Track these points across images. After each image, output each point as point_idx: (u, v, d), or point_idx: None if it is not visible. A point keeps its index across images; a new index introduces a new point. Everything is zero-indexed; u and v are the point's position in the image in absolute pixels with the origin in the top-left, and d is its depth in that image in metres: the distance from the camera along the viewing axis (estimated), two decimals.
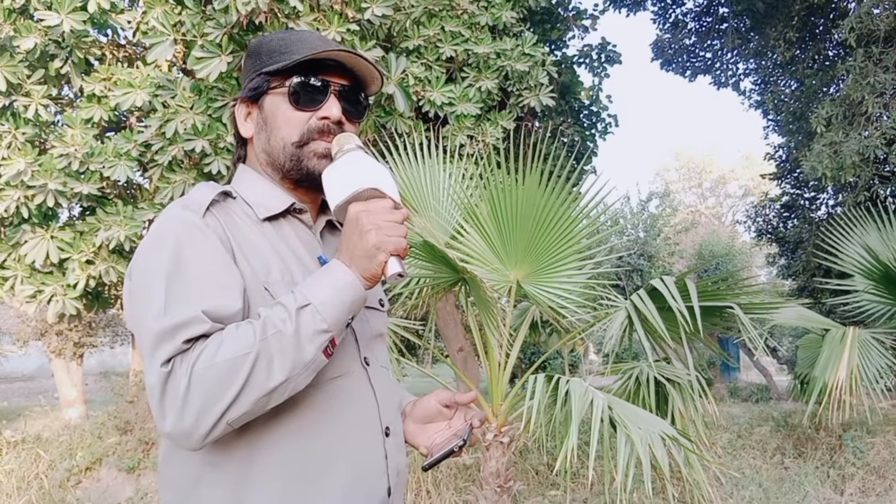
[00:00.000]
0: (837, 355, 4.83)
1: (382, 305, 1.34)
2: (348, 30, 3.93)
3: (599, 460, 4.81)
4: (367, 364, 1.20)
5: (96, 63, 4.52)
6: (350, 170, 1.08)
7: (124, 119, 4.68)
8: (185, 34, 3.89)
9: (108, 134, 4.41)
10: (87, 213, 4.40)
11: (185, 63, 4.37)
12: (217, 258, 1.05)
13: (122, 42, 4.84)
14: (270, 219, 1.18)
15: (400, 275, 1.03)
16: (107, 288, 4.78)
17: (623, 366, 4.31)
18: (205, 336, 0.98)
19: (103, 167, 4.02)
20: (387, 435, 1.19)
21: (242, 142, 1.28)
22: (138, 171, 4.26)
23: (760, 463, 6.09)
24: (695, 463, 3.40)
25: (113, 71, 4.21)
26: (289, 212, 1.21)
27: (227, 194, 1.16)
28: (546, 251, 3.93)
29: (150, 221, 4.34)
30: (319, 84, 1.18)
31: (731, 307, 3.72)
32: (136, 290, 1.05)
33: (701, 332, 3.48)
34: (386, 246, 1.02)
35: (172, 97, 4.08)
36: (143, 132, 4.11)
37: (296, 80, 1.17)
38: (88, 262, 4.22)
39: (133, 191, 4.73)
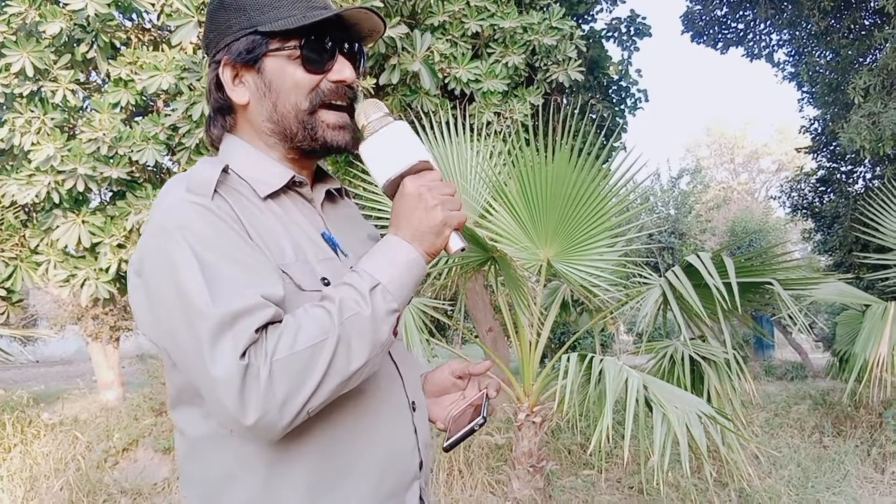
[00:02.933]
0: (879, 331, 4.70)
1: None
2: (372, 6, 3.88)
3: (634, 440, 4.75)
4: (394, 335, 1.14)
5: (122, 47, 4.52)
6: (397, 143, 1.03)
7: (151, 103, 4.68)
8: None
9: (135, 118, 4.42)
10: (117, 197, 4.42)
11: None
12: (243, 242, 0.96)
13: (147, 25, 4.82)
14: (272, 196, 1.08)
15: (462, 249, 1.02)
16: None
17: (656, 344, 4.24)
18: (271, 322, 0.91)
19: (132, 151, 4.03)
20: (413, 409, 1.14)
21: (229, 110, 1.13)
22: (166, 154, 4.27)
23: (798, 442, 5.98)
24: (733, 442, 3.33)
25: (139, 54, 4.20)
26: (288, 186, 1.10)
27: (226, 171, 1.04)
28: (577, 229, 3.87)
29: None
30: (330, 44, 1.07)
31: (770, 283, 3.62)
32: (158, 287, 0.94)
33: (739, 309, 3.39)
34: (451, 221, 1.00)
35: (198, 79, 4.06)
36: (169, 115, 4.11)
37: (303, 40, 1.05)
38: (119, 245, 4.24)
39: (162, 174, 4.74)
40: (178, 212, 0.96)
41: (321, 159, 1.17)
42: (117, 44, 4.49)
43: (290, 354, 0.88)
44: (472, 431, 1.14)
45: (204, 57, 4.28)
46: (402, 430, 1.11)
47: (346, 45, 1.10)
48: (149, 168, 4.46)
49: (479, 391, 1.23)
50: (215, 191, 0.98)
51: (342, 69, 1.08)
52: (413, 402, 1.14)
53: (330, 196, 1.20)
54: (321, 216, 1.15)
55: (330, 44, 1.08)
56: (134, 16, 4.72)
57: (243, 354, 0.87)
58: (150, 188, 4.20)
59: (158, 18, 4.44)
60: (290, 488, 1.00)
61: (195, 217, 0.95)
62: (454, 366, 1.24)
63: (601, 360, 3.23)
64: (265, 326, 0.90)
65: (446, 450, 1.15)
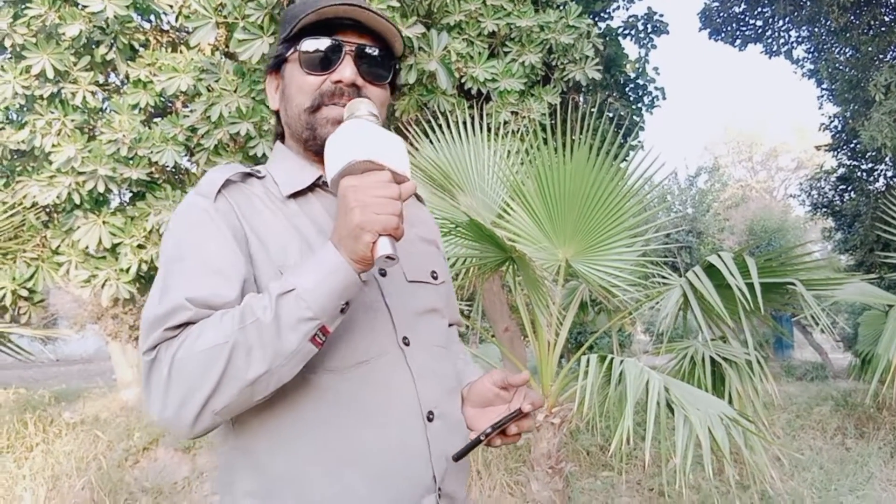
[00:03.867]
0: None
1: (435, 278, 1.24)
2: (389, 6, 3.87)
3: (654, 442, 4.72)
4: (407, 344, 1.11)
5: (141, 49, 4.55)
6: (347, 139, 0.97)
7: (170, 104, 4.71)
8: (227, 17, 3.88)
9: (154, 119, 4.45)
10: (137, 198, 4.45)
11: (227, 46, 4.37)
12: (219, 244, 1.01)
13: (165, 27, 4.85)
14: (297, 195, 1.12)
15: (389, 257, 0.92)
16: None
17: (676, 345, 4.20)
18: (191, 323, 0.94)
19: (151, 152, 4.05)
20: (429, 420, 1.10)
21: (279, 118, 1.22)
22: (185, 155, 4.29)
23: (821, 444, 5.91)
24: (756, 445, 3.29)
25: (157, 56, 4.23)
26: (317, 185, 1.14)
27: (249, 175, 1.12)
28: (595, 229, 3.83)
29: None
30: (330, 45, 1.09)
31: (793, 283, 3.58)
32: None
33: (762, 310, 3.35)
34: (372, 225, 0.92)
35: (216, 81, 4.08)
36: (188, 116, 4.13)
37: (305, 42, 1.10)
38: (140, 246, 4.27)
39: (181, 175, 4.77)
40: (180, 210, 1.07)
41: None
42: (136, 45, 4.52)
43: (188, 355, 0.91)
44: (478, 442, 1.09)
45: (222, 57, 4.30)
46: (408, 440, 1.07)
47: (359, 46, 1.11)
48: (168, 169, 4.49)
49: (514, 406, 1.16)
50: (220, 192, 1.05)
51: (343, 70, 1.09)
52: (430, 413, 1.10)
53: None
54: None
55: (331, 46, 1.09)
56: (152, 17, 4.75)
57: (152, 349, 0.93)
58: (170, 189, 4.22)
59: (177, 20, 4.46)
60: (285, 482, 1.01)
61: (187, 218, 1.04)
62: (494, 377, 1.17)
63: (622, 362, 3.20)
64: (185, 325, 0.94)
65: (455, 459, 1.09)
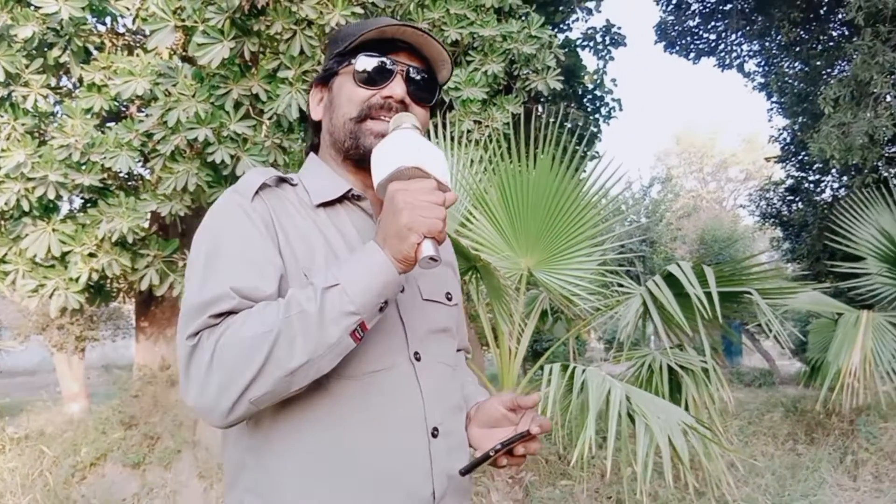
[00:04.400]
0: (851, 339, 4.77)
1: (450, 299, 1.28)
2: (353, 13, 3.84)
3: (613, 450, 4.75)
4: (418, 359, 1.14)
5: (95, 52, 4.43)
6: (395, 147, 1.03)
7: (125, 108, 4.59)
8: (186, 20, 3.79)
9: (108, 124, 4.32)
10: (89, 204, 4.32)
11: (185, 50, 4.28)
12: (256, 240, 1.06)
13: (122, 30, 4.74)
14: (326, 205, 1.17)
15: (433, 258, 0.96)
16: (109, 281, 4.70)
17: (635, 353, 4.25)
18: (233, 312, 0.98)
19: (104, 158, 3.93)
20: (433, 436, 1.12)
21: (316, 129, 1.29)
22: (140, 161, 4.17)
23: (773, 450, 6.04)
24: (712, 451, 3.34)
25: (113, 59, 4.12)
26: (346, 198, 1.19)
27: (283, 180, 1.18)
28: (557, 238, 3.86)
29: (153, 213, 4.26)
30: (384, 62, 1.17)
31: (749, 292, 3.65)
32: (187, 271, 1.07)
33: (720, 319, 3.41)
34: (418, 226, 0.96)
35: (174, 85, 3.99)
36: (144, 121, 4.02)
37: (361, 58, 1.17)
38: (91, 254, 4.14)
39: (135, 182, 4.64)
40: (218, 206, 1.12)
41: None
42: (91, 48, 4.40)
43: (232, 342, 0.94)
44: (486, 458, 1.10)
45: (180, 62, 4.21)
46: (409, 454, 1.09)
47: (411, 67, 1.19)
48: (122, 175, 4.37)
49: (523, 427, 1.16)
50: (256, 193, 1.11)
51: (394, 87, 1.16)
52: (434, 429, 1.12)
53: None
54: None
55: (385, 64, 1.17)
56: (108, 20, 4.63)
57: (195, 335, 0.97)
58: (123, 196, 4.10)
59: (134, 23, 4.36)
60: (287, 482, 1.04)
61: (226, 213, 1.10)
62: (504, 398, 1.19)
63: (584, 371, 3.22)
64: (227, 314, 0.98)
65: (462, 474, 1.11)
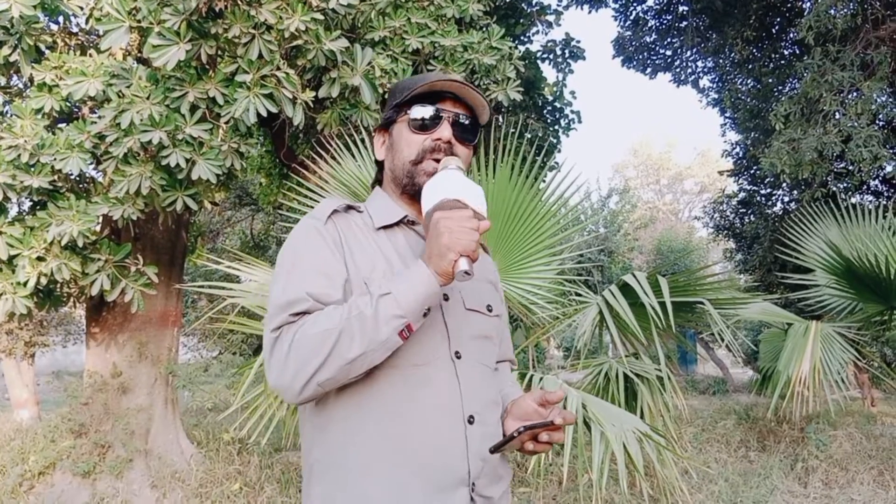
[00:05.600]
0: (801, 349, 4.88)
1: (490, 311, 1.48)
2: (313, 18, 3.81)
3: (570, 457, 4.79)
4: (458, 357, 1.34)
5: (47, 51, 4.31)
6: (440, 184, 1.27)
7: (76, 109, 4.48)
8: (141, 21, 3.72)
9: (59, 125, 4.21)
10: (38, 207, 4.19)
11: (140, 51, 4.20)
12: (327, 255, 1.32)
13: (75, 29, 4.62)
14: (386, 228, 1.42)
15: (466, 272, 1.17)
16: (59, 286, 4.57)
17: (592, 361, 4.29)
18: (308, 313, 1.23)
19: (55, 159, 3.83)
20: (470, 422, 1.30)
21: (380, 166, 1.55)
22: (91, 163, 4.07)
23: (726, 457, 6.14)
24: (667, 458, 3.39)
25: (65, 59, 4.01)
26: (403, 223, 1.44)
27: (351, 208, 1.45)
28: (516, 247, 3.89)
29: (105, 216, 4.16)
30: (433, 111, 1.41)
31: (703, 303, 3.72)
32: (272, 279, 1.34)
33: (673, 328, 3.47)
34: (455, 246, 1.18)
35: (128, 87, 3.90)
36: (96, 123, 3.93)
37: (415, 108, 1.42)
38: (39, 258, 4.02)
39: (86, 184, 4.52)
40: (299, 227, 1.39)
41: None
42: (42, 47, 4.28)
43: (305, 336, 1.19)
44: (511, 438, 1.25)
45: (134, 63, 4.13)
46: (448, 436, 1.28)
47: (456, 114, 1.42)
48: (72, 177, 4.25)
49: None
50: (329, 218, 1.38)
51: (442, 131, 1.41)
52: (470, 416, 1.31)
53: None
54: None
55: (435, 112, 1.41)
56: (61, 19, 4.51)
57: (277, 328, 1.23)
58: (73, 198, 3.99)
59: (87, 22, 4.26)
60: (344, 453, 1.28)
61: (304, 234, 1.36)
62: (535, 394, 1.35)
63: (541, 379, 3.24)
64: (303, 314, 1.24)
65: (491, 452, 1.30)
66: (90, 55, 4.06)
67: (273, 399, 3.70)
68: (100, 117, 3.92)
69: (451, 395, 1.31)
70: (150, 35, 3.65)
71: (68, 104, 4.12)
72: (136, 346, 5.65)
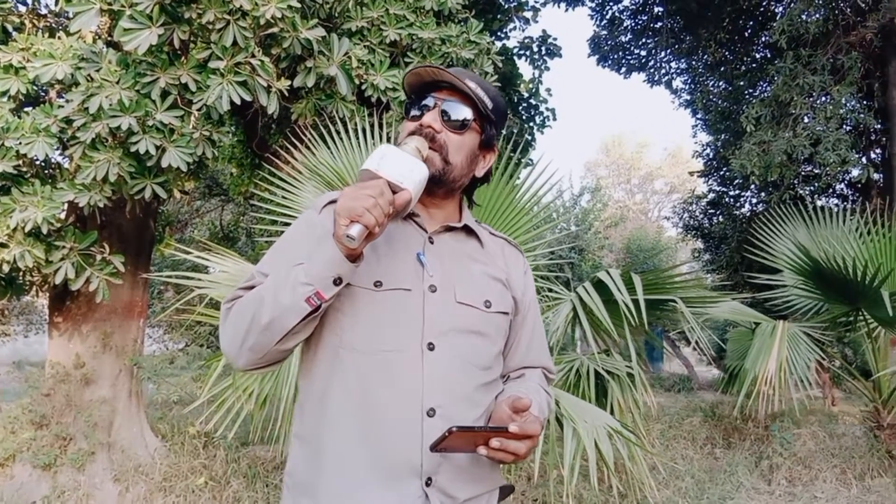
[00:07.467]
0: (768, 348, 4.96)
1: (488, 306, 1.44)
2: (289, 6, 3.75)
3: (542, 454, 4.81)
4: (431, 349, 1.33)
5: (14, 32, 4.19)
6: (370, 158, 1.28)
7: (43, 93, 4.36)
8: (113, 3, 3.63)
9: (25, 108, 4.09)
10: (1, 192, 4.07)
11: (111, 35, 4.10)
12: (300, 242, 1.37)
13: (43, 11, 4.49)
14: None
15: (349, 236, 1.17)
16: (21, 273, 4.45)
17: (564, 358, 4.30)
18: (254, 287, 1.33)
19: (20, 144, 3.73)
20: (429, 415, 1.29)
21: None
22: (58, 148, 3.96)
23: (692, 453, 6.22)
24: (637, 455, 3.41)
25: (32, 41, 3.90)
26: (407, 215, 1.45)
27: None
28: None
29: (71, 203, 4.06)
30: (421, 100, 1.45)
31: (675, 301, 3.75)
32: None
33: (646, 325, 3.49)
34: (345, 212, 1.18)
35: (97, 70, 3.81)
36: (63, 107, 3.83)
37: (408, 100, 1.49)
38: (2, 245, 3.91)
39: (52, 170, 4.41)
40: (299, 217, 1.49)
41: (444, 194, 1.48)
42: (9, 28, 4.16)
43: (239, 304, 1.31)
44: (442, 438, 1.19)
45: (104, 46, 4.03)
46: (403, 424, 1.29)
47: (444, 101, 1.43)
48: (38, 162, 4.14)
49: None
50: (325, 207, 1.44)
51: (426, 118, 1.43)
52: (431, 409, 1.30)
53: (452, 229, 1.50)
54: (427, 242, 1.44)
55: (422, 101, 1.45)
56: (29, 0, 4.39)
57: (229, 301, 1.35)
58: (38, 184, 3.89)
59: (56, 4, 4.15)
60: (314, 431, 1.34)
61: (298, 221, 1.46)
62: (509, 400, 1.31)
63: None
64: (251, 288, 1.33)
65: (430, 449, 1.24)
66: (59, 37, 3.95)
67: (242, 392, 3.65)
68: (67, 101, 3.82)
69: (411, 384, 1.30)
70: (122, 18, 3.56)
71: (35, 87, 4.01)
72: (101, 337, 5.53)
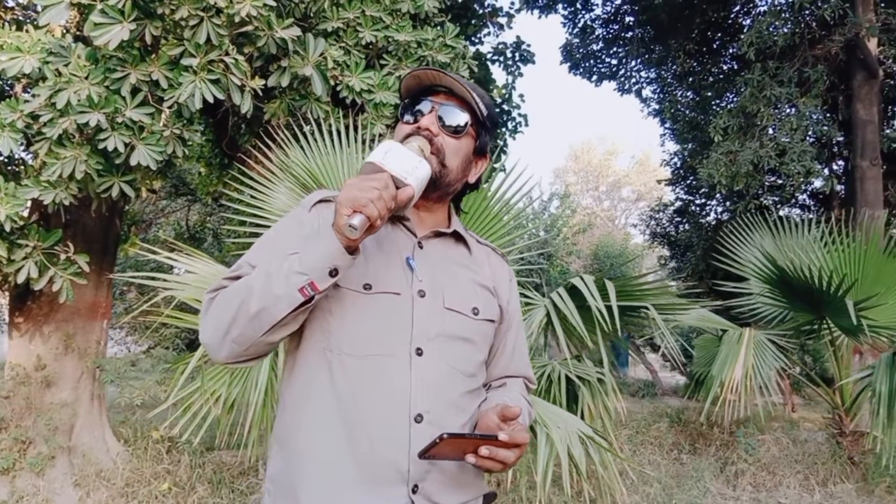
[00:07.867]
0: (735, 355, 5.03)
1: (476, 313, 1.43)
2: (265, 4, 3.70)
3: None
4: (420, 354, 1.31)
5: None
6: (373, 152, 1.27)
7: (9, 87, 4.24)
8: None
9: None
10: None
11: (80, 29, 4.00)
12: (290, 235, 1.35)
13: (11, 3, 4.38)
14: None
15: (351, 226, 1.15)
16: None
17: (535, 363, 4.31)
18: (239, 277, 1.30)
19: None
20: (417, 421, 1.27)
21: None
22: (23, 144, 3.86)
23: (659, 459, 6.28)
24: (609, 461, 3.42)
25: None
26: (397, 219, 1.43)
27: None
28: None
29: (35, 200, 3.95)
30: (418, 103, 1.43)
31: (647, 307, 3.78)
32: None
33: (619, 331, 3.51)
34: (348, 202, 1.16)
35: (65, 65, 3.71)
36: (30, 101, 3.72)
37: (406, 102, 1.46)
38: None
39: (16, 166, 4.29)
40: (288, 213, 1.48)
41: (437, 198, 1.47)
42: None
43: (225, 294, 1.27)
44: (433, 444, 1.17)
45: (73, 41, 3.93)
46: (389, 431, 1.26)
47: (440, 104, 1.42)
48: (2, 158, 4.03)
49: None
50: (314, 205, 1.41)
51: (422, 120, 1.41)
52: (419, 415, 1.27)
53: (441, 235, 1.48)
54: (416, 247, 1.43)
55: (420, 103, 1.43)
56: None
57: (212, 291, 1.32)
58: (2, 180, 3.78)
59: None
60: (294, 432, 1.31)
61: (285, 219, 1.45)
62: (497, 408, 1.30)
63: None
64: (236, 278, 1.31)
65: (419, 456, 1.21)
66: (27, 31, 3.85)
67: (209, 395, 3.58)
68: (34, 96, 3.72)
69: (400, 389, 1.28)
70: (92, 12, 3.48)
71: (1, 81, 3.90)
72: (63, 338, 5.39)
